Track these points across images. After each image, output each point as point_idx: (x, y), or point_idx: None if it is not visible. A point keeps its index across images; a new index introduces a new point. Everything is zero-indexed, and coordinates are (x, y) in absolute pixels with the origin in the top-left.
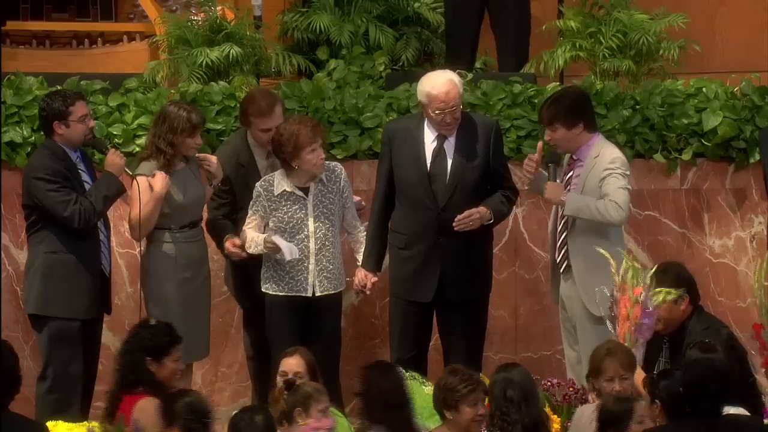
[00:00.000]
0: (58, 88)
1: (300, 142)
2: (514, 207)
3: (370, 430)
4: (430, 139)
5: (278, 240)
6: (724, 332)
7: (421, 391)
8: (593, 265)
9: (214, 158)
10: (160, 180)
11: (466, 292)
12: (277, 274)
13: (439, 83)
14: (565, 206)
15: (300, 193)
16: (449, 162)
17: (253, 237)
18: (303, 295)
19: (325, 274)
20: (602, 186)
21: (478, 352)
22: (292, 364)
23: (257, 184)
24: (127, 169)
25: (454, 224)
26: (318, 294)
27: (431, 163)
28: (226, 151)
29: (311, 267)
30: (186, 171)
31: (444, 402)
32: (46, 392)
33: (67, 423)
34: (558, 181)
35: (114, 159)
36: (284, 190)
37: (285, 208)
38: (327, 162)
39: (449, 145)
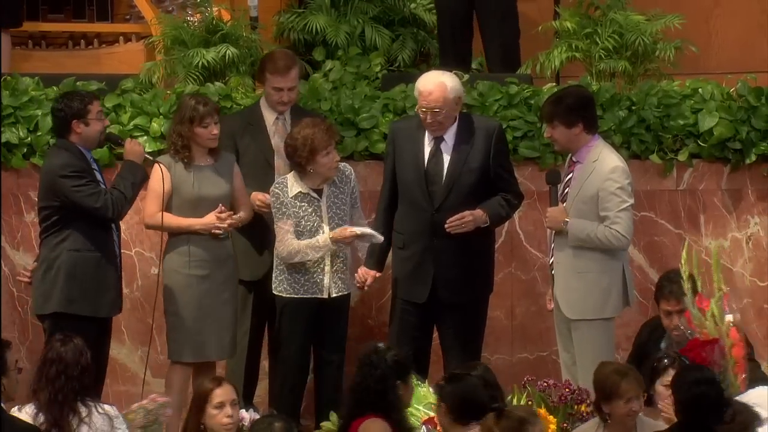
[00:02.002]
0: (78, 86)
1: (315, 146)
2: None
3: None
4: (429, 139)
5: (362, 228)
6: None
7: (417, 393)
8: (574, 269)
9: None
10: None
11: (460, 294)
12: (291, 277)
13: (425, 82)
14: (568, 237)
15: (314, 195)
16: (446, 163)
17: (308, 243)
18: (319, 297)
19: (339, 275)
20: (601, 202)
21: (475, 354)
22: (225, 392)
23: (273, 187)
24: (148, 155)
25: (446, 225)
26: (333, 295)
27: (428, 163)
28: (239, 112)
29: (327, 269)
30: (208, 169)
31: None
32: None
33: None
34: (559, 197)
35: (133, 147)
36: (299, 192)
37: (301, 210)
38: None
39: (446, 147)
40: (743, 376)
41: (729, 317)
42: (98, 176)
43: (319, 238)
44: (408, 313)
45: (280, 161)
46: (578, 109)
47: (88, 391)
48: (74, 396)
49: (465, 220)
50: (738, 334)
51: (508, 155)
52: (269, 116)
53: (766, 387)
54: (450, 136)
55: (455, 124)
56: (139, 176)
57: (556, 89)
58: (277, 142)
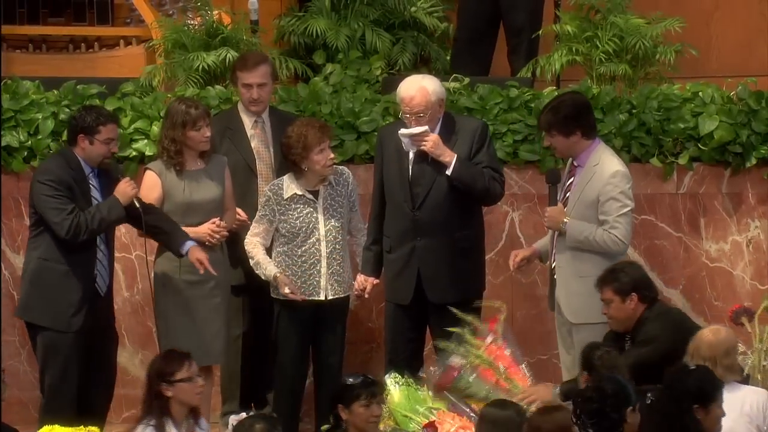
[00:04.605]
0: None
1: (308, 142)
2: (511, 210)
3: None
4: None
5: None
6: (675, 312)
7: (417, 396)
8: (576, 273)
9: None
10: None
11: (447, 294)
12: (288, 279)
13: (406, 87)
14: (566, 237)
15: (310, 196)
16: (427, 164)
17: (259, 261)
18: (315, 299)
19: (335, 277)
20: (601, 206)
21: None
22: None
23: (266, 188)
24: (135, 201)
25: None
26: (330, 297)
27: (412, 165)
28: (217, 115)
29: (323, 270)
30: (200, 173)
31: None
32: (45, 403)
33: (63, 427)
34: (558, 197)
35: (126, 188)
36: (294, 194)
37: (296, 212)
38: (334, 165)
39: None
40: (520, 374)
41: (488, 339)
42: (95, 192)
43: (268, 268)
44: (398, 315)
45: (262, 165)
46: (575, 118)
47: None
48: None
49: (430, 137)
50: (494, 345)
51: (491, 153)
52: (247, 120)
53: None
54: None
55: (438, 126)
56: (113, 215)
57: (556, 93)
58: (257, 145)
